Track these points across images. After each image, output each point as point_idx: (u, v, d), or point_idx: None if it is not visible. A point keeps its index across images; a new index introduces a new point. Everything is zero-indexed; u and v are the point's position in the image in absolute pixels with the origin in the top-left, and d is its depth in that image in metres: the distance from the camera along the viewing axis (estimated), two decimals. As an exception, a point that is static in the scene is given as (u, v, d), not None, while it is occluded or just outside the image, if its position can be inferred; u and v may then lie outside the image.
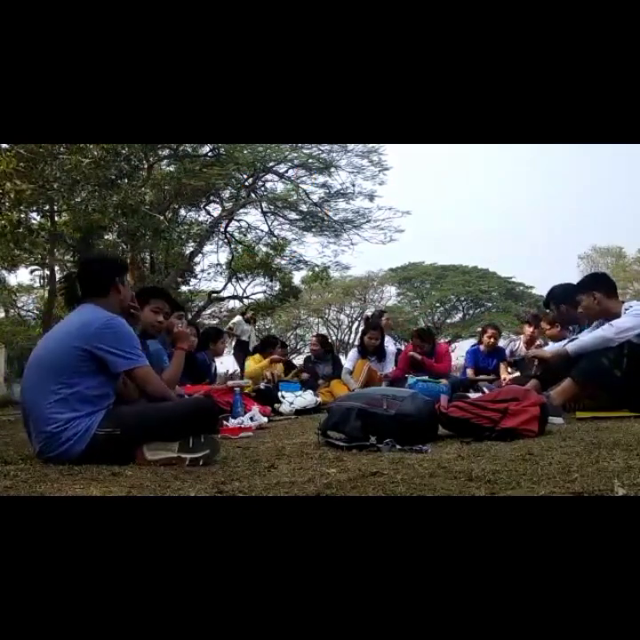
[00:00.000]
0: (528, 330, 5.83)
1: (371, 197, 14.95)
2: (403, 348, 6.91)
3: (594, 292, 3.36)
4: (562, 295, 3.94)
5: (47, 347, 2.35)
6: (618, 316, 3.23)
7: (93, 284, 2.45)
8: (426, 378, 4.81)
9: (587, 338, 3.25)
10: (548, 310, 4.47)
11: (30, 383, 2.29)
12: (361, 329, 6.95)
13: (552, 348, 3.86)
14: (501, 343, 6.65)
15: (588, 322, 3.62)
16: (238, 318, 9.70)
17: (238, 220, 15.89)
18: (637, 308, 3.23)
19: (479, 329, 7.23)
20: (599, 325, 3.31)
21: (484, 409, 2.64)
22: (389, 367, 6.02)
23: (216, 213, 15.23)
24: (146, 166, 11.28)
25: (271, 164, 14.33)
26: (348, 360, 6.30)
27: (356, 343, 6.22)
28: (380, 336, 6.02)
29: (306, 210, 15.40)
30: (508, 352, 6.19)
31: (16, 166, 8.01)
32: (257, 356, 6.41)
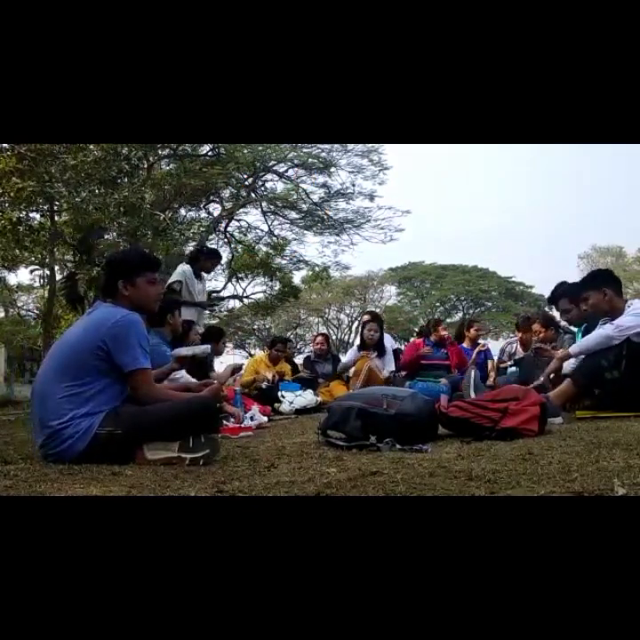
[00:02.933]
0: (519, 334, 5.95)
1: (371, 197, 14.97)
2: (402, 347, 6.89)
3: (604, 289, 3.29)
4: (571, 292, 3.88)
5: (65, 342, 2.40)
6: (622, 313, 3.21)
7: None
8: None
9: (588, 338, 3.24)
10: (554, 308, 4.42)
11: (44, 377, 2.33)
12: (361, 323, 6.89)
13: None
14: (501, 344, 6.67)
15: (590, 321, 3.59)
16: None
17: (238, 220, 15.91)
18: (638, 307, 3.22)
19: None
20: (605, 324, 3.29)
21: (484, 408, 2.64)
22: (391, 365, 5.99)
23: (216, 213, 15.23)
24: (146, 166, 11.27)
25: (271, 163, 14.33)
26: (347, 355, 6.27)
27: (357, 342, 6.17)
28: (378, 328, 5.97)
29: (306, 209, 15.40)
30: (505, 354, 6.19)
31: (16, 165, 8.01)
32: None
